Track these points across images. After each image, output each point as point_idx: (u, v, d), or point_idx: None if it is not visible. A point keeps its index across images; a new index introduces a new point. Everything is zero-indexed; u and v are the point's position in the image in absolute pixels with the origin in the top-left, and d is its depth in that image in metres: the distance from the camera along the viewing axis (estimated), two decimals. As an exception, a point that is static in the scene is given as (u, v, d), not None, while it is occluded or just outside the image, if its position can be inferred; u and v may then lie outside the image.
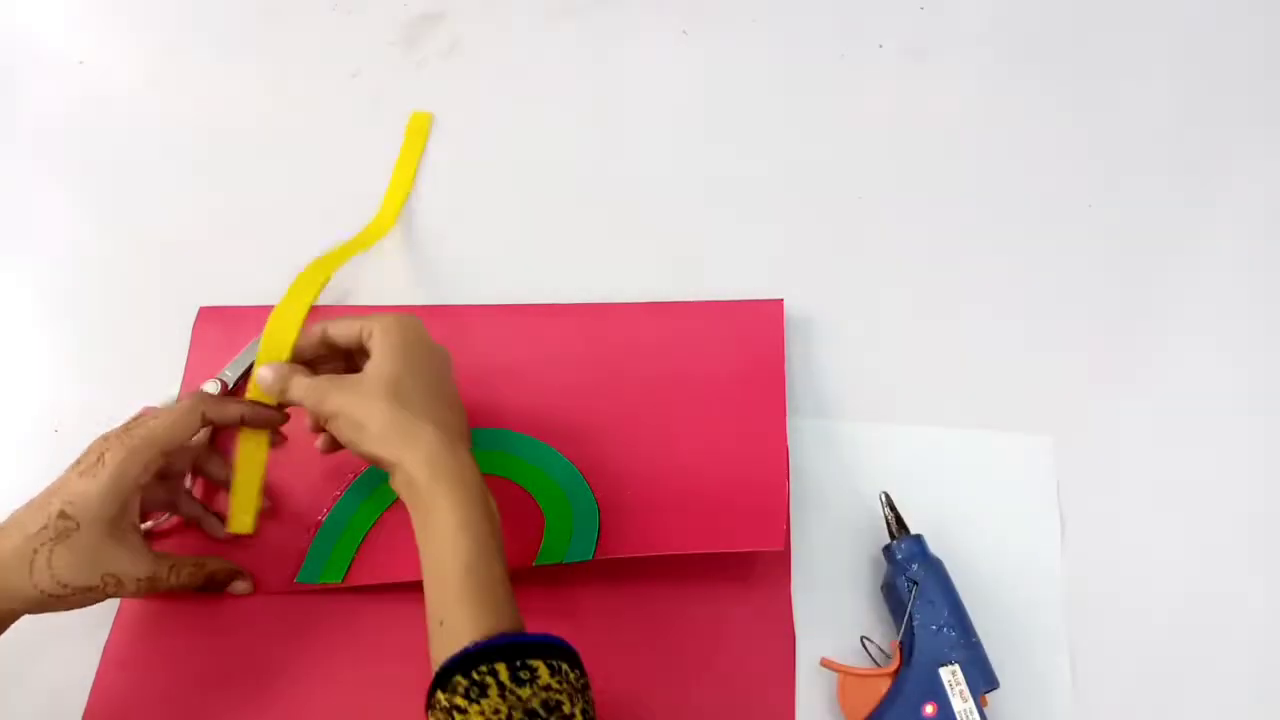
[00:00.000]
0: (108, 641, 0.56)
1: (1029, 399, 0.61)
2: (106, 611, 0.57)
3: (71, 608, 0.50)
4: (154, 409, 0.56)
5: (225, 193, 0.72)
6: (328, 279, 0.60)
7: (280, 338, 0.55)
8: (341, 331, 0.54)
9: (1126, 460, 0.59)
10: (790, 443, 0.59)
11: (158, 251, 0.70)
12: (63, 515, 0.49)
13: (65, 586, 0.49)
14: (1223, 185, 0.68)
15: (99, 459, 0.50)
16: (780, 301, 0.63)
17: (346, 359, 0.56)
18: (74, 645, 0.56)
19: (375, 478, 0.59)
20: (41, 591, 0.48)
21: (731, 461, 0.58)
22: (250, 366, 0.63)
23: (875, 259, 0.66)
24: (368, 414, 0.51)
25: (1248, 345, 0.62)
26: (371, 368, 0.52)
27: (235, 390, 0.63)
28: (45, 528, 0.49)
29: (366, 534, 0.57)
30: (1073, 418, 0.60)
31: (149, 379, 0.64)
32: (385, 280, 0.66)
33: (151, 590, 0.52)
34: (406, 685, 0.54)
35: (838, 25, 0.76)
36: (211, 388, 0.62)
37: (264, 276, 0.68)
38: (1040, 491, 0.58)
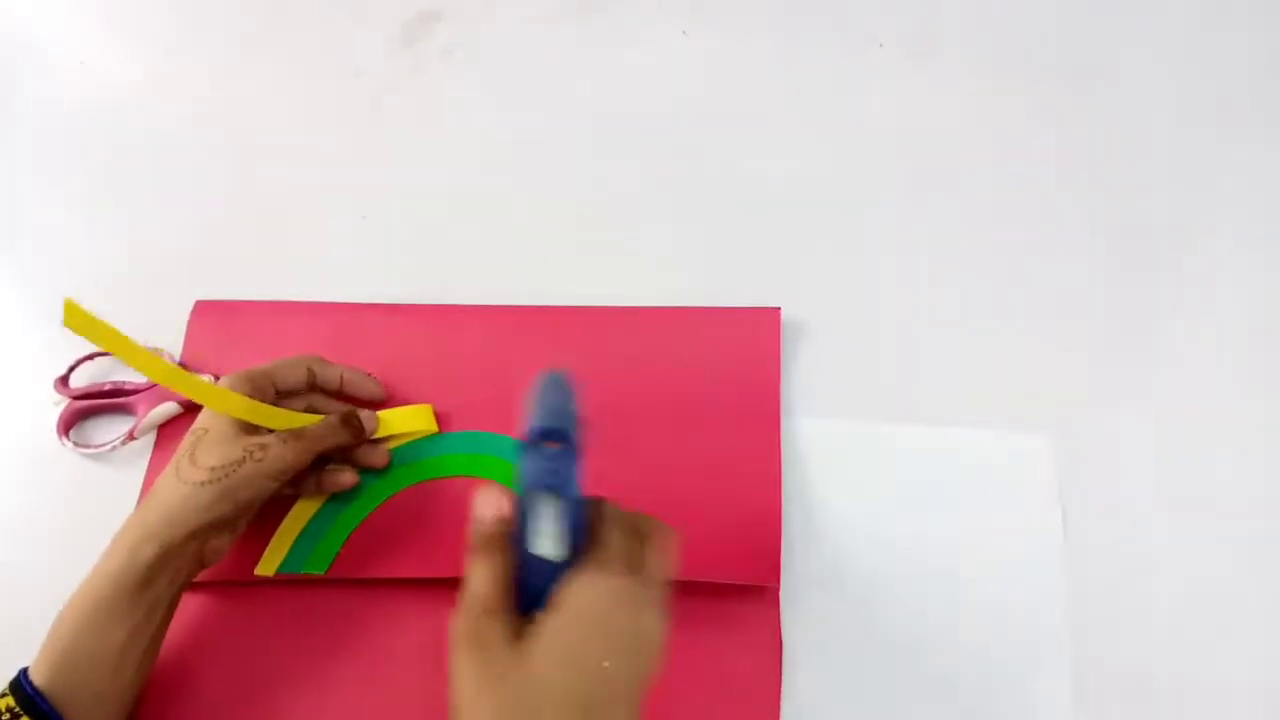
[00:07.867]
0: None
1: (1029, 399, 0.61)
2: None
3: (226, 514, 0.51)
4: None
5: (225, 192, 0.72)
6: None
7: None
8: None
9: (1127, 460, 0.59)
10: (786, 443, 0.59)
11: (157, 251, 0.70)
12: (192, 432, 0.53)
13: (212, 469, 0.51)
14: (1223, 186, 0.67)
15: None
16: (777, 310, 0.63)
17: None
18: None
19: (369, 475, 0.59)
20: (191, 483, 0.51)
21: (726, 479, 0.58)
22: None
23: (874, 259, 0.66)
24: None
25: (1248, 345, 0.62)
26: (533, 656, 0.39)
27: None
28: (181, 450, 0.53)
29: (355, 529, 0.57)
30: (1073, 418, 0.60)
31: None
32: (382, 278, 0.66)
33: (302, 448, 0.54)
34: (400, 683, 0.54)
35: (838, 25, 0.76)
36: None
37: (263, 275, 0.68)
38: (1040, 492, 0.58)
